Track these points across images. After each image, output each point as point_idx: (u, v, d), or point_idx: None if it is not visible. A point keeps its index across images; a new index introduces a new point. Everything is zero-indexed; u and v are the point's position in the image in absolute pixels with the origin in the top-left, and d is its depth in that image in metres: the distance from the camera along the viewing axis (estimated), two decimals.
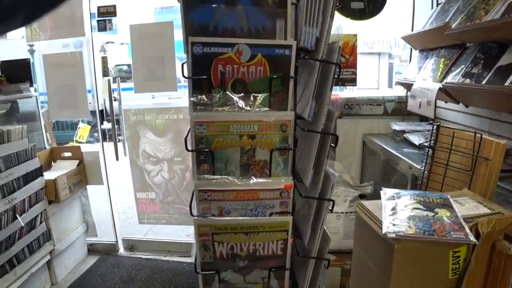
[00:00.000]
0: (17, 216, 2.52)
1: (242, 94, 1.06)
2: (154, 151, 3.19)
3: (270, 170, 1.05)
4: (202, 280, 1.10)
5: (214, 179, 1.04)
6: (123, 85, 3.41)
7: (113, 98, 3.20)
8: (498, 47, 1.95)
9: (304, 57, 1.07)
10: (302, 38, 1.03)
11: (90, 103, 3.17)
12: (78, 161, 3.19)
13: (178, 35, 2.77)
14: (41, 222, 2.80)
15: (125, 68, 8.46)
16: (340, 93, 3.40)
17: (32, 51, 3.46)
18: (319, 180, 1.08)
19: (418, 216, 1.25)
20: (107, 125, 3.39)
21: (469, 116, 2.48)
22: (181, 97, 3.33)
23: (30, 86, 3.22)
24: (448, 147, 1.76)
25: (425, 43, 2.77)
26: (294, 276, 1.24)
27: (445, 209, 1.29)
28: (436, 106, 2.77)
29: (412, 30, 3.13)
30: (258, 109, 1.04)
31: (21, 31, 3.58)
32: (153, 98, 4.55)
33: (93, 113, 3.25)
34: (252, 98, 1.04)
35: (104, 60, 3.17)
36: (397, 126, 2.99)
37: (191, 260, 3.27)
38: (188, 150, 1.06)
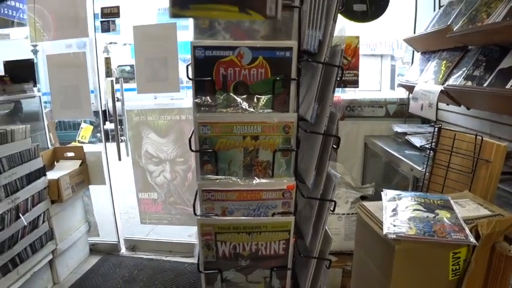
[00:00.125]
0: (20, 215, 2.54)
1: (244, 96, 1.07)
2: (156, 151, 3.20)
3: (273, 170, 1.06)
4: (205, 279, 1.11)
5: (217, 179, 1.05)
6: (125, 86, 3.42)
7: (116, 99, 3.21)
8: (500, 50, 1.96)
9: (307, 59, 1.08)
10: (305, 40, 1.04)
11: (92, 103, 3.19)
12: (80, 161, 3.20)
13: (181, 36, 2.81)
14: (43, 222, 2.81)
15: (128, 68, 8.49)
16: (342, 95, 3.41)
17: (35, 52, 3.48)
18: (321, 181, 1.09)
19: (418, 217, 1.26)
20: (109, 126, 3.41)
21: (470, 119, 2.49)
22: (183, 98, 3.34)
23: (34, 86, 3.24)
24: (449, 149, 1.77)
25: (427, 45, 2.78)
26: (296, 276, 1.25)
27: (445, 211, 1.30)
28: (437, 108, 2.77)
29: (414, 33, 3.14)
30: (261, 110, 1.05)
31: (25, 31, 3.61)
32: (155, 98, 4.57)
33: (95, 113, 3.26)
34: (255, 99, 1.06)
35: (107, 60, 3.18)
36: (398, 128, 3.00)
37: (193, 260, 3.29)
38: (192, 151, 1.07)
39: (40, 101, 3.32)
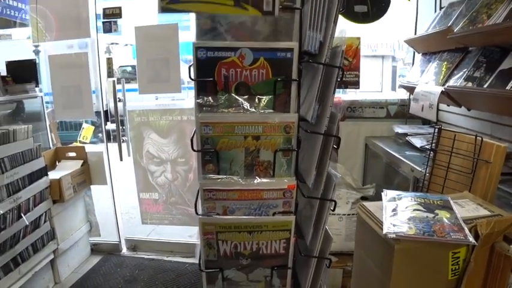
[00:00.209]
0: (22, 215, 2.55)
1: (246, 96, 1.08)
2: (158, 152, 3.21)
3: (274, 170, 1.07)
4: (206, 278, 1.12)
5: (219, 178, 1.06)
6: (127, 86, 3.43)
7: (118, 99, 3.22)
8: (500, 51, 1.97)
9: (308, 60, 1.09)
10: (306, 42, 1.05)
11: (94, 104, 3.20)
12: (82, 161, 3.22)
13: (183, 37, 2.82)
14: (45, 222, 2.82)
15: (129, 69, 8.50)
16: (343, 96, 3.42)
17: (37, 52, 3.49)
18: (321, 181, 1.10)
19: (418, 217, 1.27)
20: (110, 126, 3.42)
21: (471, 120, 2.50)
22: (184, 99, 3.35)
23: (36, 86, 3.25)
24: (449, 150, 1.77)
25: (428, 47, 2.79)
26: (296, 275, 1.26)
27: (445, 211, 1.31)
28: (438, 109, 2.78)
29: (415, 34, 3.14)
30: (262, 111, 1.06)
31: (27, 32, 3.63)
32: (156, 99, 4.58)
33: (97, 113, 3.27)
34: (256, 100, 1.07)
35: (109, 61, 3.20)
36: (399, 129, 3.01)
37: (194, 260, 3.30)
38: (194, 151, 1.08)
39: (42, 101, 3.33)
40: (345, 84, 3.14)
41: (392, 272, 1.21)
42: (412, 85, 2.73)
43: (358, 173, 3.34)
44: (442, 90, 2.24)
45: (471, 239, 1.15)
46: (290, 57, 1.02)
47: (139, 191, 3.36)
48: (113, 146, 3.36)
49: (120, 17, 3.05)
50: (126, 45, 8.08)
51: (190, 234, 3.59)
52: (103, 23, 3.06)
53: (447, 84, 2.25)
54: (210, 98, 1.04)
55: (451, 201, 1.40)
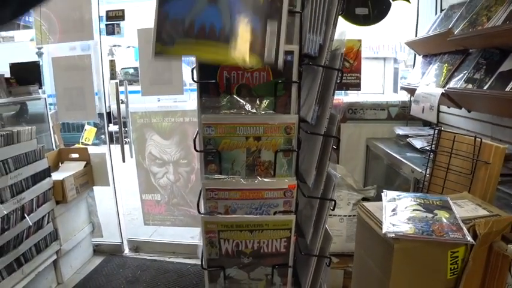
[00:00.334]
0: (25, 215, 2.58)
1: (247, 98, 1.10)
2: (160, 153, 3.23)
3: (275, 170, 1.09)
4: (208, 276, 1.13)
5: (221, 178, 1.08)
6: (129, 88, 3.46)
7: (120, 101, 3.24)
8: (500, 53, 1.98)
9: (308, 63, 1.11)
10: (306, 44, 1.07)
11: (96, 105, 3.22)
12: (85, 162, 3.24)
13: None
14: (48, 222, 2.84)
15: (131, 71, 8.52)
16: (344, 97, 3.43)
17: (40, 54, 3.52)
18: (321, 181, 1.12)
19: (417, 217, 1.28)
20: (113, 128, 3.44)
21: (471, 121, 2.51)
22: (186, 100, 3.37)
23: (39, 88, 3.27)
24: (449, 151, 1.79)
25: (428, 49, 2.80)
26: (297, 274, 1.28)
27: (444, 211, 1.32)
28: (439, 111, 2.80)
29: (416, 36, 3.16)
30: (263, 112, 1.08)
31: (30, 34, 3.65)
32: (158, 101, 4.60)
33: (100, 115, 3.30)
34: (257, 101, 1.08)
35: (112, 63, 3.22)
36: (400, 130, 3.02)
37: (195, 261, 3.32)
38: (197, 151, 1.10)
39: (45, 103, 3.35)
40: (346, 86, 3.16)
41: (391, 271, 1.22)
42: (412, 87, 2.74)
43: (359, 175, 3.35)
44: (443, 92, 2.25)
45: (469, 238, 1.16)
46: (290, 60, 1.03)
47: (141, 192, 3.38)
48: (115, 148, 3.39)
49: (123, 19, 3.07)
50: (129, 47, 8.11)
51: (192, 236, 3.61)
52: (106, 25, 3.09)
53: (447, 86, 2.26)
54: (212, 99, 1.05)
55: (450, 202, 1.41)
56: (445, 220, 1.26)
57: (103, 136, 3.45)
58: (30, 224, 2.60)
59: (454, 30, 2.27)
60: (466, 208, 1.40)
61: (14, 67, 3.26)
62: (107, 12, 3.06)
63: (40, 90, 3.29)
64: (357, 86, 3.16)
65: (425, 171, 1.95)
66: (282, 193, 1.07)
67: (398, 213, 1.32)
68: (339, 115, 1.13)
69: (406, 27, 3.55)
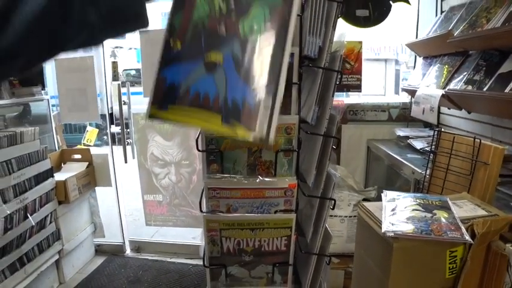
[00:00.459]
0: (28, 215, 2.59)
1: None
2: (162, 154, 3.25)
3: (275, 170, 1.10)
4: (210, 274, 1.15)
5: (223, 177, 1.09)
6: (131, 89, 3.48)
7: (123, 102, 3.26)
8: (499, 55, 2.00)
9: (308, 64, 1.12)
10: (306, 47, 1.08)
11: (98, 107, 3.24)
12: (87, 163, 3.26)
13: None
14: (50, 222, 2.86)
15: (133, 72, 8.56)
16: (345, 99, 3.45)
17: None
18: (321, 180, 1.13)
19: (416, 217, 1.30)
20: (115, 129, 3.46)
21: (471, 123, 2.52)
22: None
23: (42, 89, 3.30)
24: (449, 152, 1.80)
25: (428, 50, 2.82)
26: (297, 272, 1.29)
27: (443, 211, 1.34)
28: (439, 112, 2.82)
29: (416, 38, 3.18)
30: None
31: None
32: None
33: (102, 116, 3.32)
34: None
35: (114, 65, 3.24)
36: (401, 132, 3.04)
37: (197, 262, 3.33)
38: (199, 151, 1.11)
39: (48, 104, 3.37)
40: (347, 88, 3.17)
41: (391, 270, 1.24)
42: (413, 88, 2.76)
43: (360, 176, 3.37)
44: (443, 94, 2.27)
45: (467, 237, 1.18)
46: (291, 62, 1.04)
47: (143, 193, 3.39)
48: (117, 149, 3.41)
49: None
50: (130, 48, 8.14)
51: (194, 236, 3.62)
52: None
53: (448, 88, 2.27)
54: None
55: (450, 202, 1.42)
56: (443, 220, 1.27)
57: (105, 137, 3.47)
58: (33, 223, 2.62)
59: (454, 31, 2.28)
60: (465, 208, 1.41)
61: None
62: None
63: (43, 92, 3.31)
64: (357, 88, 3.18)
65: (425, 172, 1.97)
66: (283, 192, 1.09)
67: (397, 213, 1.34)
68: (338, 116, 1.15)
69: (407, 28, 3.57)
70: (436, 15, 2.98)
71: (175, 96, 0.79)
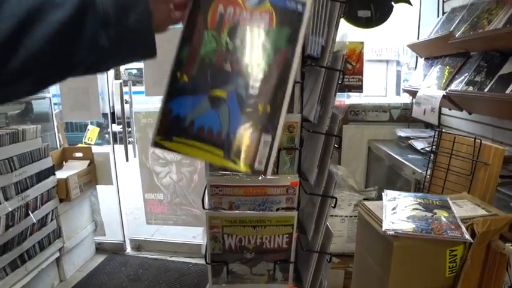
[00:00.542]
0: (29, 213, 2.60)
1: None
2: (163, 153, 3.25)
3: (278, 168, 1.11)
4: (212, 271, 1.16)
5: (225, 175, 1.10)
6: (132, 88, 3.48)
7: (124, 101, 3.27)
8: (500, 56, 2.01)
9: (311, 64, 1.13)
10: (309, 46, 1.09)
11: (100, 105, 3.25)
12: (88, 161, 3.26)
13: None
14: (51, 220, 2.87)
15: (134, 71, 8.56)
16: (347, 100, 3.46)
17: None
18: (323, 179, 1.14)
19: (417, 216, 1.30)
20: (116, 128, 3.47)
21: (472, 124, 2.53)
22: None
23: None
24: (449, 152, 1.81)
25: (430, 51, 2.83)
26: (298, 270, 1.30)
27: (443, 210, 1.35)
28: (440, 113, 2.83)
29: (418, 39, 3.18)
30: None
31: None
32: None
33: (103, 115, 3.33)
34: None
35: None
36: (402, 132, 3.04)
37: (197, 260, 3.34)
38: None
39: (50, 102, 3.38)
40: (348, 88, 3.18)
41: (391, 268, 1.24)
42: (414, 89, 2.76)
43: (361, 176, 3.37)
44: (444, 94, 2.27)
45: (467, 236, 1.19)
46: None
47: (144, 192, 3.40)
48: (119, 148, 3.41)
49: None
50: None
51: (194, 235, 3.63)
52: None
53: (449, 89, 2.28)
54: None
55: (450, 202, 1.43)
56: (444, 219, 1.28)
57: (106, 136, 3.47)
58: (34, 221, 2.63)
59: (456, 33, 2.29)
60: (465, 208, 1.42)
61: None
62: None
63: (45, 90, 3.32)
64: (359, 88, 3.19)
65: (426, 172, 1.98)
66: (285, 190, 1.10)
67: (398, 211, 1.35)
68: (340, 114, 1.16)
69: (409, 30, 3.57)
70: (438, 16, 2.98)
71: (180, 128, 0.83)
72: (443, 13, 2.90)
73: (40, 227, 2.74)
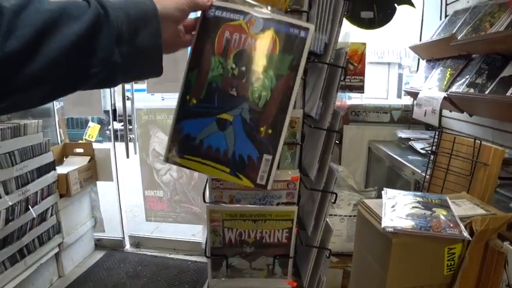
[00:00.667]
0: (30, 207, 2.61)
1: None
2: (164, 150, 3.26)
3: (279, 163, 1.12)
4: (211, 265, 1.17)
5: None
6: (134, 86, 3.49)
7: (126, 97, 3.28)
8: (502, 59, 2.01)
9: (314, 60, 1.14)
10: (312, 43, 1.10)
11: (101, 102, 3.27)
12: (89, 157, 3.28)
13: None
14: (51, 215, 2.88)
15: None
16: (348, 101, 3.47)
17: None
18: (323, 175, 1.15)
19: (416, 214, 1.31)
20: (117, 125, 3.48)
21: (473, 126, 2.54)
22: None
23: None
24: (449, 152, 1.82)
25: (432, 53, 2.83)
26: (297, 266, 1.31)
27: (442, 209, 1.35)
28: (441, 115, 2.84)
29: (420, 41, 3.19)
30: None
31: None
32: (162, 100, 4.61)
33: (105, 112, 3.34)
34: None
35: None
36: (402, 133, 3.06)
37: (196, 258, 3.35)
38: None
39: None
40: (349, 89, 3.19)
41: (389, 265, 1.25)
42: (415, 90, 2.77)
43: (361, 176, 3.38)
44: (445, 96, 2.28)
45: (466, 234, 1.20)
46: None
47: (144, 189, 3.42)
48: (119, 145, 3.43)
49: None
50: None
51: (194, 233, 3.65)
52: None
53: (450, 90, 2.29)
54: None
55: (449, 201, 1.44)
56: (442, 217, 1.29)
57: (107, 132, 3.48)
58: (34, 216, 2.64)
59: (458, 35, 2.30)
60: (464, 207, 1.43)
61: None
62: None
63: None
64: (360, 89, 3.19)
65: (426, 172, 1.99)
66: (285, 185, 1.10)
67: (397, 209, 1.35)
68: (341, 111, 1.17)
69: (411, 32, 3.59)
70: (441, 19, 3.00)
71: (191, 147, 0.93)
72: (446, 16, 2.91)
73: (40, 222, 2.75)
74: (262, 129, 0.91)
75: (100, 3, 0.68)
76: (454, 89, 2.27)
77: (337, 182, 1.16)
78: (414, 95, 2.85)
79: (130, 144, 3.34)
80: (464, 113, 2.37)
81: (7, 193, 2.42)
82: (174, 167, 3.26)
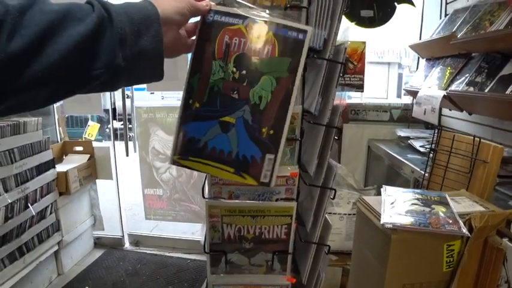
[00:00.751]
0: (29, 205, 2.61)
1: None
2: (163, 148, 3.26)
3: None
4: (210, 261, 1.17)
5: None
6: (134, 86, 3.49)
7: (126, 95, 3.28)
8: (501, 57, 2.01)
9: (313, 56, 1.14)
10: (312, 39, 1.10)
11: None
12: (89, 155, 3.27)
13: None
14: (51, 213, 2.88)
15: None
16: (348, 100, 3.47)
17: None
18: (322, 171, 1.15)
19: (415, 210, 1.31)
20: (117, 124, 3.48)
21: (472, 125, 2.54)
22: None
23: None
24: (449, 150, 1.82)
25: (431, 52, 2.83)
26: (296, 262, 1.31)
27: (441, 206, 1.35)
28: (440, 114, 2.84)
29: (420, 39, 3.19)
30: None
31: None
32: (162, 99, 4.61)
33: (105, 111, 3.34)
34: None
35: None
36: (402, 132, 3.05)
37: (195, 256, 3.35)
38: None
39: None
40: (349, 87, 3.19)
41: (388, 262, 1.25)
42: (415, 89, 2.77)
43: (360, 175, 3.38)
44: (444, 95, 2.28)
45: (465, 230, 1.20)
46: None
47: (143, 187, 3.41)
48: (119, 144, 3.43)
49: None
50: None
51: (193, 231, 3.65)
52: None
53: (449, 89, 2.29)
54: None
55: (448, 198, 1.44)
56: (442, 214, 1.29)
57: (108, 130, 3.48)
58: (34, 213, 2.64)
59: (457, 33, 2.30)
60: (463, 204, 1.43)
61: None
62: None
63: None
64: (360, 87, 3.20)
65: (425, 169, 1.99)
66: (285, 181, 1.11)
67: (396, 206, 1.35)
68: (341, 107, 1.17)
69: (411, 32, 3.59)
70: (441, 17, 2.99)
71: (195, 149, 0.95)
72: (446, 15, 2.91)
73: (39, 220, 2.75)
74: (264, 130, 0.93)
75: (104, 6, 0.69)
76: (453, 87, 2.27)
77: (336, 178, 1.16)
78: (414, 93, 2.85)
79: (130, 143, 3.34)
80: (464, 111, 2.36)
81: (6, 191, 2.41)
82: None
